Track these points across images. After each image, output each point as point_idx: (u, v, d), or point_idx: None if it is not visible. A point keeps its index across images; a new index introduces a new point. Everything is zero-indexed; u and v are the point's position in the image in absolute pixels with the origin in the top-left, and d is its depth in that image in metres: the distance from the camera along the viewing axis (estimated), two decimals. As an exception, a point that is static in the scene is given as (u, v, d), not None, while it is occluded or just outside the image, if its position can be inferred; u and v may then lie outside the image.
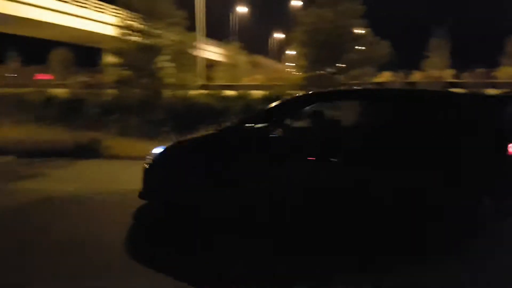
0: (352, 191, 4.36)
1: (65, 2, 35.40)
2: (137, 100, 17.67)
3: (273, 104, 5.07)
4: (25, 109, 14.64)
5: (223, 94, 19.31)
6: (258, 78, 43.19)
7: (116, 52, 24.44)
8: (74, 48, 48.07)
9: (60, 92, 21.44)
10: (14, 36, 41.50)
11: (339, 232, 4.52)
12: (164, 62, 23.30)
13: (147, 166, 5.10)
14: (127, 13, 23.41)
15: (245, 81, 41.61)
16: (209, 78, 38.60)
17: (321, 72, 23.32)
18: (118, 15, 26.31)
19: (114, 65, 25.53)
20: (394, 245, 4.26)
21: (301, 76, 24.29)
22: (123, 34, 23.17)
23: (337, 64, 23.79)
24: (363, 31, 24.92)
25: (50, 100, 17.19)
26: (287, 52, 52.61)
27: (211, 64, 46.66)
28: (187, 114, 13.17)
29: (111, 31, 28.72)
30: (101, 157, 9.43)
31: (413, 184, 4.21)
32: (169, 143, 5.40)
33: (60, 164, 8.74)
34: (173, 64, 23.55)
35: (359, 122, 4.85)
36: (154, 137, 10.31)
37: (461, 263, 3.89)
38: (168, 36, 22.90)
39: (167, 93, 20.38)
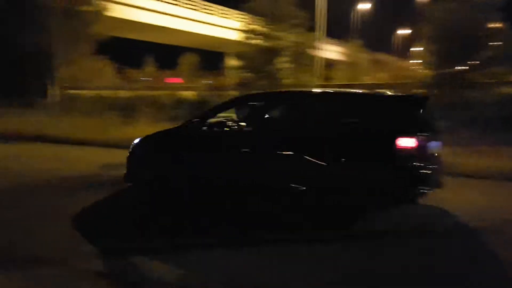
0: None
1: (195, 10, 38.02)
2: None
3: (212, 106, 6.65)
4: (159, 110, 16.09)
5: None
6: (382, 76, 41.43)
7: (238, 56, 25.54)
8: (200, 53, 51.51)
9: (188, 94, 23.08)
10: (150, 43, 45.90)
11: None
12: (282, 63, 23.68)
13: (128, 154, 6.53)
14: (250, 17, 24.31)
15: (366, 80, 40.31)
16: (328, 77, 38.17)
17: (452, 69, 21.51)
18: (242, 19, 27.46)
19: (235, 68, 26.76)
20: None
21: (429, 74, 22.71)
22: (246, 37, 24.10)
23: (469, 62, 21.74)
24: (500, 25, 22.40)
25: (180, 102, 18.59)
26: (413, 49, 49.62)
27: (330, 64, 46.06)
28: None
29: (234, 36, 30.14)
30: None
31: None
32: (140, 137, 6.67)
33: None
34: (291, 65, 23.82)
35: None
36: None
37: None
38: (289, 38, 23.22)
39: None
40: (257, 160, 5.54)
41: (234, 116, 6.64)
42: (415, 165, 4.82)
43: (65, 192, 6.71)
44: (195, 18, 37.97)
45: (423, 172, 4.88)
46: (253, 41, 23.76)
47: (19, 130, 13.19)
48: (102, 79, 21.87)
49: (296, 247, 4.51)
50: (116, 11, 22.65)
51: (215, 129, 5.99)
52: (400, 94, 6.16)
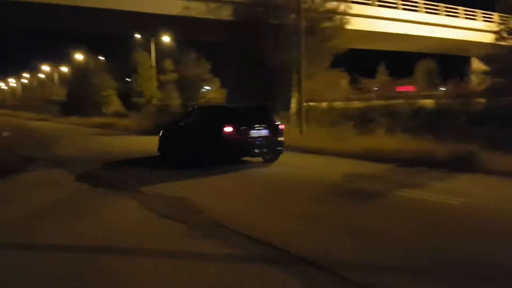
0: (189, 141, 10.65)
1: (436, 14, 35.80)
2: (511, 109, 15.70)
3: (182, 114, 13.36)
4: (394, 120, 15.64)
5: None
6: None
7: (486, 58, 22.65)
8: (435, 58, 48.19)
9: (426, 103, 21.73)
10: (381, 51, 45.54)
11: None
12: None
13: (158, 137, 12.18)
14: (501, 16, 21.30)
15: None
16: None
17: None
18: (489, 19, 24.36)
19: (483, 72, 23.83)
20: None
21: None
22: (496, 38, 21.23)
23: None
24: None
25: (417, 111, 17.62)
26: None
27: None
28: None
29: (480, 37, 26.98)
30: (477, 171, 8.90)
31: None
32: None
33: (437, 176, 8.80)
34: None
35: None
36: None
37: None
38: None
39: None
40: (186, 140, 10.77)
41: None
42: (231, 141, 9.87)
43: (320, 198, 7.22)
44: (436, 22, 35.67)
45: (238, 145, 9.96)
46: (505, 42, 20.68)
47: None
48: (337, 91, 22.64)
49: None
50: (355, 24, 23.19)
51: (180, 125, 11.48)
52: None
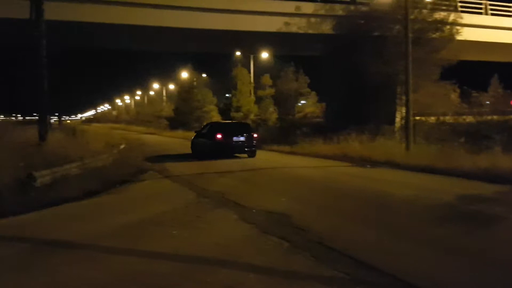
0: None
1: None
2: None
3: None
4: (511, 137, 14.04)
5: None
6: None
7: None
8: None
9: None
10: (494, 63, 41.70)
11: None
12: None
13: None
14: None
15: None
16: None
17: None
18: None
19: None
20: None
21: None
22: None
23: None
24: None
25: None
26: None
27: None
28: None
29: None
30: None
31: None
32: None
33: None
34: None
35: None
36: None
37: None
38: None
39: None
40: (200, 142, 17.80)
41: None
42: (220, 143, 16.66)
43: (432, 220, 6.64)
44: None
45: (224, 146, 16.70)
46: None
47: (370, 156, 14.31)
48: (446, 105, 21.09)
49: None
50: (466, 34, 21.53)
51: (200, 134, 18.33)
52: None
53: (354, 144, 16.37)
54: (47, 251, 5.53)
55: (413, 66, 15.90)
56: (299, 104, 40.81)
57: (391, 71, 19.31)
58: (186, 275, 4.47)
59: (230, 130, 17.08)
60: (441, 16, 19.46)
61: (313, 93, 37.04)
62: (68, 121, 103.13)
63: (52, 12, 13.00)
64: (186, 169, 13.64)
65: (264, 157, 16.78)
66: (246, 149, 16.82)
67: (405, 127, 14.84)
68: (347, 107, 21.32)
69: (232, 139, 16.58)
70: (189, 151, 18.32)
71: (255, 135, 17.17)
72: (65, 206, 8.07)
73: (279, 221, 6.69)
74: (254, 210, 7.41)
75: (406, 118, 14.80)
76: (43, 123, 12.20)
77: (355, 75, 20.51)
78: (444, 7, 20.47)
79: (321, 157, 16.21)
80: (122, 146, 16.69)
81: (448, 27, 19.53)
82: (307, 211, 7.48)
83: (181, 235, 6.06)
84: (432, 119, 19.94)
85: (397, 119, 20.31)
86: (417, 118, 20.08)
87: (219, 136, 16.40)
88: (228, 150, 16.65)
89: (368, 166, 13.40)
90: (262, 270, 4.60)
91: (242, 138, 16.75)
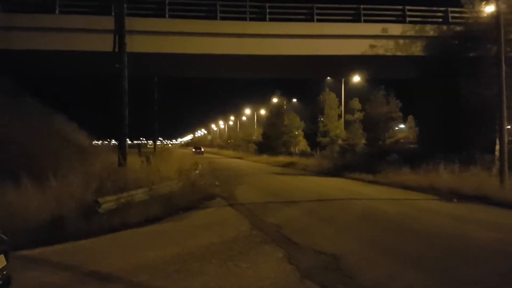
0: None
1: None
2: None
3: None
4: None
5: None
6: None
7: None
8: None
9: None
10: None
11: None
12: None
13: None
14: None
15: None
16: None
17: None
18: None
19: None
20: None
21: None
22: None
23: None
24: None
25: None
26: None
27: None
28: None
29: None
30: None
31: None
32: None
33: None
34: None
35: None
36: None
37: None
38: None
39: None
40: None
41: None
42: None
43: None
44: None
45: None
46: None
47: (459, 188, 12.79)
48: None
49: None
50: None
51: None
52: None
53: (444, 174, 14.79)
54: (79, 282, 5.53)
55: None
56: (396, 129, 38.79)
57: (490, 94, 17.40)
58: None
59: (198, 146, 30.91)
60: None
61: (410, 117, 34.97)
62: (170, 145, 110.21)
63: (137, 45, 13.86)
64: (254, 196, 13.41)
65: (341, 186, 15.92)
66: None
67: (500, 157, 13.02)
68: (442, 133, 19.70)
69: (200, 151, 35.51)
70: (266, 177, 17.99)
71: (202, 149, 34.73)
72: (122, 234, 8.22)
73: (326, 264, 6.04)
74: (303, 249, 6.82)
75: (501, 147, 13.01)
76: (122, 149, 12.84)
77: (450, 98, 18.97)
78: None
79: (405, 188, 14.91)
80: (197, 171, 16.79)
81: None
82: (365, 254, 6.68)
83: (217, 273, 5.72)
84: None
85: (497, 147, 18.12)
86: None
87: (193, 149, 24.94)
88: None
89: (454, 200, 11.92)
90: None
91: (198, 150, 36.96)
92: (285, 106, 44.44)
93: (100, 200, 8.84)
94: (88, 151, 16.46)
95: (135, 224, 8.82)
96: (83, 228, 8.12)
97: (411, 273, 5.69)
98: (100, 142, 25.68)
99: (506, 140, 13.12)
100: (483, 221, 9.09)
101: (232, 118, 78.33)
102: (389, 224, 9.10)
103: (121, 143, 13.07)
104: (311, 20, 20.75)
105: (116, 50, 12.92)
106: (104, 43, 13.32)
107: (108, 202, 9.03)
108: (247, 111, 64.58)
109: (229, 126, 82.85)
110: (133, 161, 14.22)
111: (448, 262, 6.12)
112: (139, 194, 10.14)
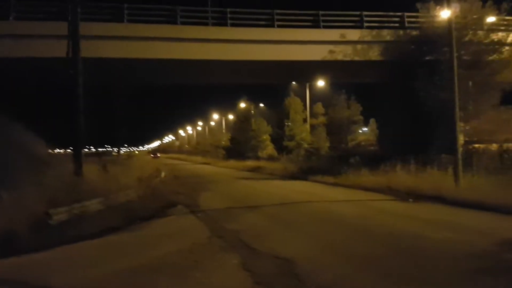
0: None
1: None
2: None
3: None
4: None
5: None
6: None
7: None
8: None
9: None
10: None
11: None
12: None
13: None
14: None
15: None
16: None
17: None
18: None
19: None
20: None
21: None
22: None
23: None
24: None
25: None
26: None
27: None
28: None
29: None
30: None
31: None
32: None
33: None
34: None
35: None
36: None
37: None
38: None
39: None
40: None
41: None
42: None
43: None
44: None
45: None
46: None
47: (416, 188, 13.10)
48: (509, 130, 19.18)
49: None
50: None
51: None
52: None
53: (401, 175, 15.15)
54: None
55: (472, 91, 14.71)
56: (360, 132, 39.54)
57: (448, 97, 17.97)
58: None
59: (155, 151, 33.82)
60: (498, 37, 17.91)
61: (373, 120, 35.76)
62: (136, 152, 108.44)
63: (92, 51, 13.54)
64: (218, 202, 13.31)
65: (304, 189, 16.05)
66: None
67: (454, 157, 13.43)
68: (400, 135, 20.12)
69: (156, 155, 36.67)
70: (232, 182, 17.86)
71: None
72: (74, 246, 7.91)
73: (281, 269, 6.05)
74: (260, 255, 6.81)
75: (454, 147, 13.43)
76: (77, 158, 12.49)
77: (409, 101, 19.41)
78: (502, 28, 18.89)
79: (364, 189, 15.19)
80: (157, 179, 16.49)
81: (507, 48, 17.92)
82: (319, 256, 6.74)
83: (167, 285, 5.62)
84: (495, 146, 18.18)
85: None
86: (476, 146, 18.37)
87: (151, 154, 26.74)
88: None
89: (410, 200, 12.23)
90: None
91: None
92: (252, 111, 44.60)
93: (51, 211, 8.56)
94: (44, 160, 15.88)
95: (90, 236, 8.53)
96: (34, 242, 7.81)
97: (362, 275, 5.76)
98: (59, 151, 24.85)
99: (459, 141, 13.52)
100: (436, 221, 9.32)
101: (200, 123, 77.88)
102: (345, 226, 9.21)
103: (77, 151, 12.73)
104: (271, 25, 20.85)
105: (70, 55, 12.61)
106: (61, 49, 12.93)
107: (59, 214, 8.76)
108: (215, 116, 64.34)
109: (197, 132, 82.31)
110: (92, 170, 13.86)
111: (399, 263, 6.24)
112: (94, 204, 9.88)
